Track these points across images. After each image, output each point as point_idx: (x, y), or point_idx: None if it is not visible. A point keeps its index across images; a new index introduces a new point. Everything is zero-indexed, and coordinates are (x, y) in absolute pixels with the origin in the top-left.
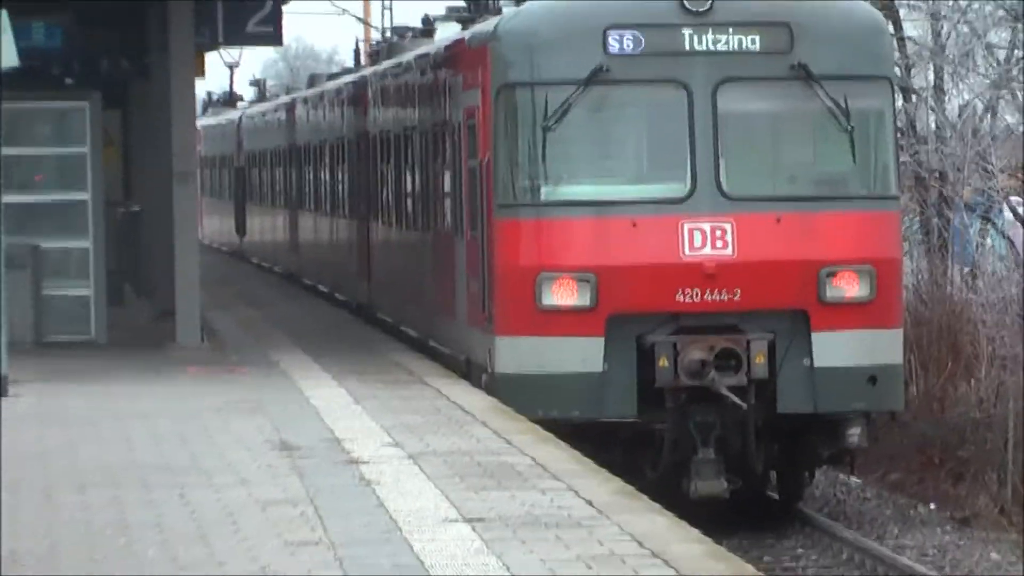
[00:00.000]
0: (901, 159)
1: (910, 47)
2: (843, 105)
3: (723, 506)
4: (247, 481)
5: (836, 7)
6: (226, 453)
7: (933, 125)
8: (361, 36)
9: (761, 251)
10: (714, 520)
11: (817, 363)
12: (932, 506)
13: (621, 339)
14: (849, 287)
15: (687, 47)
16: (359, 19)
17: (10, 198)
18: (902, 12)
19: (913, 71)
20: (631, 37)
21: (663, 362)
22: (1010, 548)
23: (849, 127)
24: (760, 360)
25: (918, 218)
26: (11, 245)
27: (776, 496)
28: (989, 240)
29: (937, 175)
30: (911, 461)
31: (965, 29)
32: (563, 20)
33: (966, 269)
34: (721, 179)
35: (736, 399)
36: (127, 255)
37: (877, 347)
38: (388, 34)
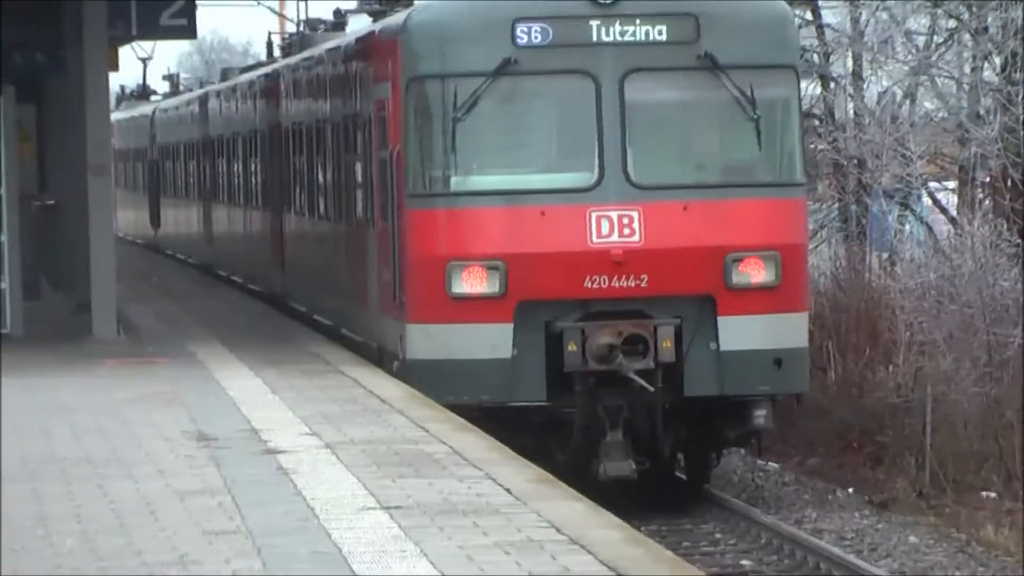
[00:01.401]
0: (820, 147)
1: (829, 34)
2: (749, 94)
3: (632, 487)
4: (165, 472)
5: None
6: (144, 444)
7: (852, 112)
8: (276, 29)
9: (668, 238)
10: (630, 505)
11: (723, 347)
12: (850, 490)
13: (530, 325)
14: (755, 273)
15: (595, 38)
16: (274, 11)
17: None
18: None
19: (832, 58)
20: (539, 29)
21: (572, 347)
22: (928, 531)
23: (755, 115)
24: (667, 345)
25: (836, 205)
26: None
27: (684, 477)
28: (908, 227)
29: (856, 162)
30: (830, 446)
31: (884, 16)
32: (472, 13)
33: (884, 256)
34: (628, 168)
35: (643, 383)
36: (43, 249)
37: (783, 331)
38: (302, 27)
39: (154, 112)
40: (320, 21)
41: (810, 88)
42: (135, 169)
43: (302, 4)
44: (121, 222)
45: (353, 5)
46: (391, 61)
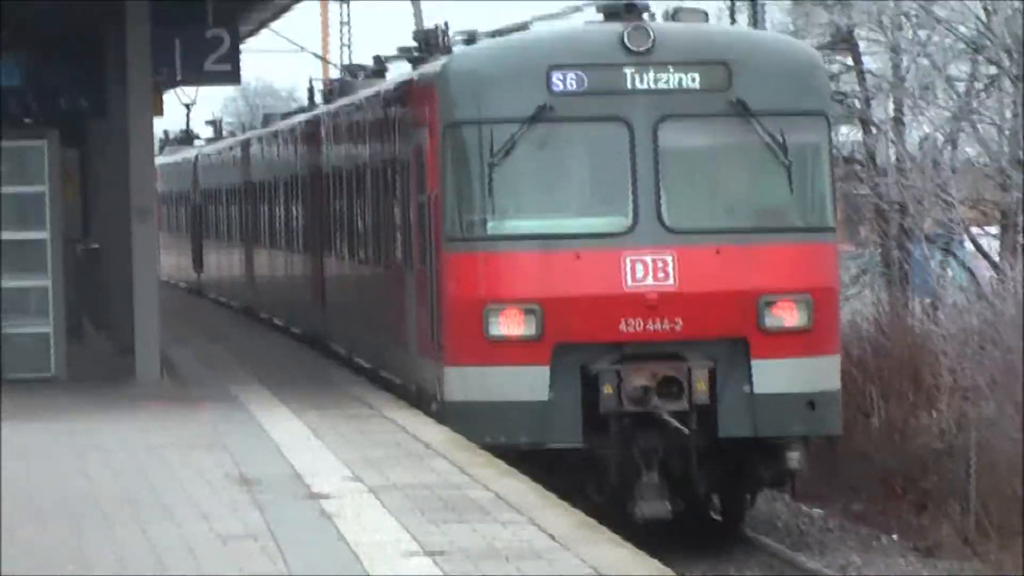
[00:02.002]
0: (861, 192)
1: (870, 80)
2: (780, 140)
3: (667, 528)
4: (207, 515)
5: (773, 45)
6: (186, 487)
7: (893, 157)
8: (319, 74)
9: (702, 282)
10: (667, 546)
11: (757, 389)
12: (895, 536)
13: (566, 368)
14: (787, 316)
15: (629, 86)
16: (317, 56)
17: None
18: (862, 45)
19: (873, 103)
20: (574, 76)
21: (607, 389)
22: None
23: (786, 161)
24: (701, 387)
25: (878, 250)
26: None
27: (719, 518)
28: (950, 272)
29: (897, 207)
30: (873, 491)
31: (925, 62)
32: (508, 60)
33: (927, 300)
34: (662, 212)
35: (678, 424)
36: (87, 291)
37: (815, 374)
38: (344, 73)
39: (197, 156)
40: (360, 67)
41: (851, 133)
42: (178, 213)
43: (345, 49)
44: (164, 265)
45: (393, 51)
46: (429, 107)
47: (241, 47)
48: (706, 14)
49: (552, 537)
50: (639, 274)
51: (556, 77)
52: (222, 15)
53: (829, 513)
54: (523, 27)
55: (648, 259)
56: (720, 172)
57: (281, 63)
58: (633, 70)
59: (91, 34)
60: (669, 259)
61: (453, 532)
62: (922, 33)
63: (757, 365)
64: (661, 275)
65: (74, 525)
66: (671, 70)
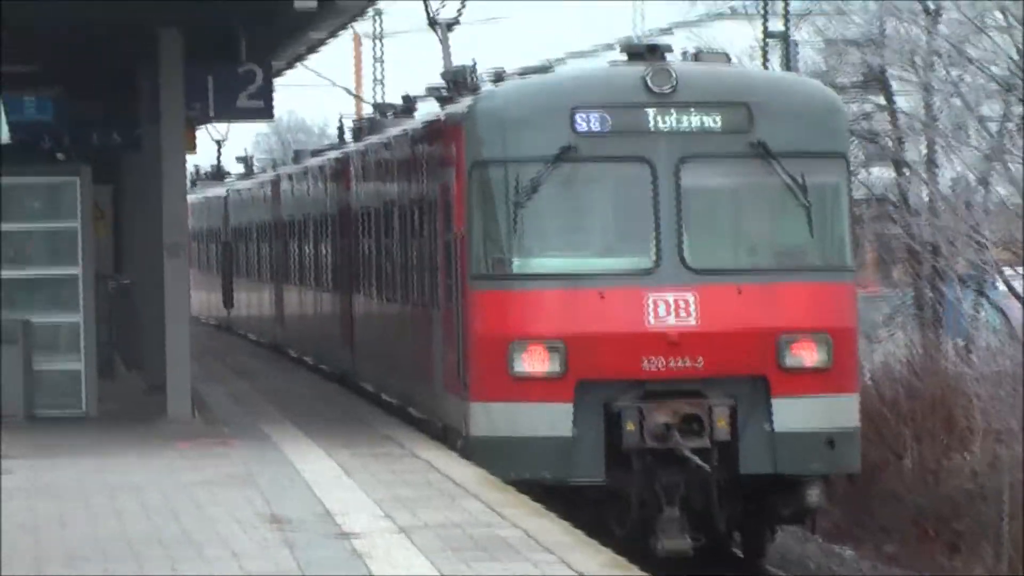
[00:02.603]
0: (894, 232)
1: (902, 119)
2: (800, 181)
3: (689, 563)
4: (238, 554)
5: (793, 87)
6: (217, 526)
7: (926, 198)
8: (352, 110)
9: (723, 321)
10: None
11: (777, 427)
12: None
13: (590, 404)
14: (807, 355)
15: (651, 126)
16: (350, 92)
17: (1, 273)
18: (894, 85)
19: (905, 143)
20: (597, 117)
21: (630, 426)
22: None
23: (806, 202)
24: (722, 424)
25: (911, 291)
26: (2, 320)
27: (741, 554)
28: (983, 313)
29: (930, 248)
30: (906, 533)
31: (957, 102)
32: (533, 100)
33: (960, 342)
34: (684, 252)
35: (699, 461)
36: (118, 328)
37: (834, 412)
38: (373, 110)
39: (228, 193)
40: (390, 106)
41: (884, 173)
42: (209, 249)
43: (379, 85)
44: (194, 302)
45: (423, 90)
46: (456, 146)
47: (274, 83)
48: (728, 56)
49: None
50: (661, 313)
51: (580, 117)
52: (255, 51)
53: (861, 554)
54: (547, 69)
55: (670, 298)
56: (741, 212)
57: (314, 99)
58: (655, 111)
59: (125, 70)
60: (691, 298)
61: (484, 571)
62: (954, 72)
63: (777, 403)
64: (683, 314)
65: (105, 565)
66: (692, 111)
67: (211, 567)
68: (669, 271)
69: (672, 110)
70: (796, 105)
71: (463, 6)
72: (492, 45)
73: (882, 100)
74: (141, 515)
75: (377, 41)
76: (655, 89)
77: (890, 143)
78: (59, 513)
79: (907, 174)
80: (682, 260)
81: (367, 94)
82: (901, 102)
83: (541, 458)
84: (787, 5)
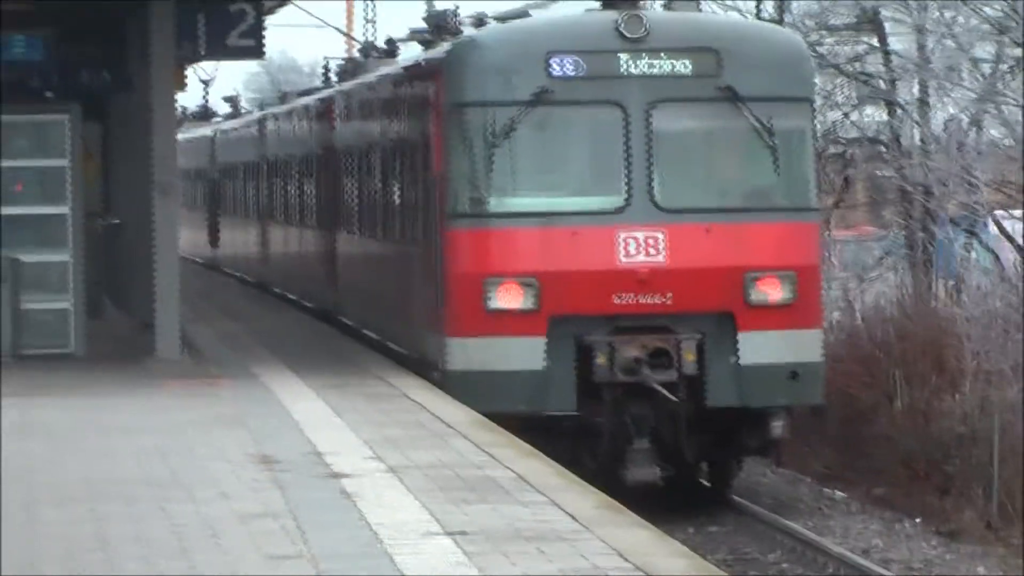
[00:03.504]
0: (885, 173)
1: (895, 61)
2: (767, 124)
3: (657, 492)
4: (228, 495)
5: (761, 34)
6: (207, 467)
7: (918, 139)
8: (343, 50)
9: (691, 258)
10: (659, 510)
11: (743, 360)
12: (918, 520)
13: (562, 339)
14: (772, 291)
15: (623, 71)
16: (341, 32)
17: None
18: (887, 26)
19: (898, 85)
20: (572, 61)
21: (600, 360)
22: (997, 562)
23: (773, 144)
24: (690, 358)
25: (903, 232)
26: None
27: (708, 484)
28: (974, 254)
29: (922, 189)
30: (896, 475)
31: (951, 43)
32: (510, 46)
33: (951, 283)
34: (655, 192)
35: (668, 394)
36: (107, 268)
37: (798, 346)
38: (371, 51)
39: (215, 133)
40: (374, 48)
41: (876, 114)
42: (196, 189)
43: (370, 25)
44: (181, 241)
45: (406, 33)
46: (434, 89)
47: (265, 22)
48: (698, 3)
49: (574, 518)
50: (632, 250)
51: (555, 62)
52: None
53: (851, 496)
54: (524, 15)
55: (640, 236)
56: (709, 154)
57: (306, 38)
58: (628, 56)
59: (115, 9)
60: (660, 236)
61: (474, 512)
62: (948, 14)
63: (743, 337)
64: (652, 251)
65: (95, 505)
66: (663, 56)
67: (200, 508)
68: (639, 210)
69: (643, 55)
70: (764, 52)
71: None
72: None
73: (875, 41)
74: (131, 455)
75: None
76: (627, 35)
77: (883, 84)
78: (50, 453)
79: (899, 115)
80: (652, 200)
81: (358, 34)
82: (894, 43)
83: (515, 391)
84: None
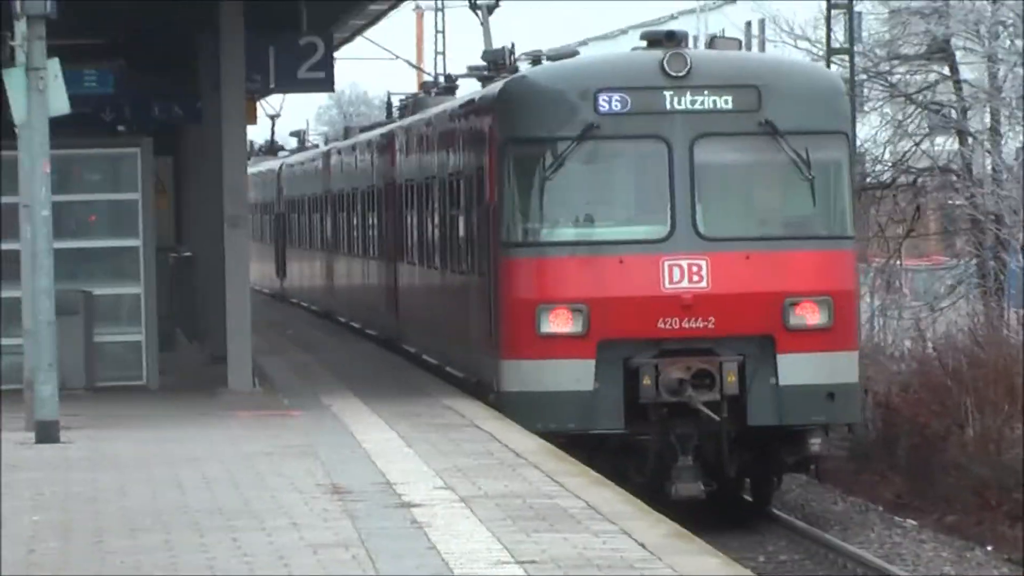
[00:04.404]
0: (957, 202)
1: (966, 90)
2: (805, 157)
3: (701, 507)
4: (299, 524)
5: (799, 71)
6: (278, 497)
7: (989, 168)
8: (414, 82)
9: (732, 284)
10: (703, 524)
11: (782, 381)
12: (989, 548)
13: (610, 361)
14: (810, 315)
15: (668, 107)
16: (411, 64)
17: (62, 244)
18: (959, 55)
19: (969, 114)
20: (619, 98)
21: (646, 381)
22: None
23: (810, 176)
24: (732, 379)
25: (974, 261)
26: (63, 291)
27: (750, 499)
28: None
29: (993, 218)
30: (968, 503)
31: (1022, 72)
32: (560, 83)
33: (1022, 312)
34: (697, 222)
35: (711, 413)
36: (179, 300)
37: (835, 368)
38: (440, 80)
39: (281, 167)
40: (434, 84)
41: (948, 143)
42: (263, 221)
43: (440, 57)
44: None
45: (465, 70)
46: (489, 125)
47: (335, 55)
48: (740, 42)
49: (643, 546)
50: (676, 277)
51: (603, 99)
52: (316, 22)
53: (923, 524)
54: (574, 53)
55: (684, 263)
56: (750, 185)
57: (376, 71)
58: (672, 92)
59: (186, 42)
60: (703, 264)
61: (544, 542)
62: (1019, 43)
63: (782, 359)
64: (696, 278)
65: (166, 535)
66: (706, 93)
67: (272, 537)
68: (683, 239)
69: (687, 92)
70: (802, 87)
71: None
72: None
73: (946, 70)
74: (202, 486)
75: (439, 13)
76: (671, 73)
77: (954, 113)
78: (120, 484)
79: (971, 144)
80: (695, 229)
81: (428, 66)
82: (965, 72)
83: (566, 410)
84: None
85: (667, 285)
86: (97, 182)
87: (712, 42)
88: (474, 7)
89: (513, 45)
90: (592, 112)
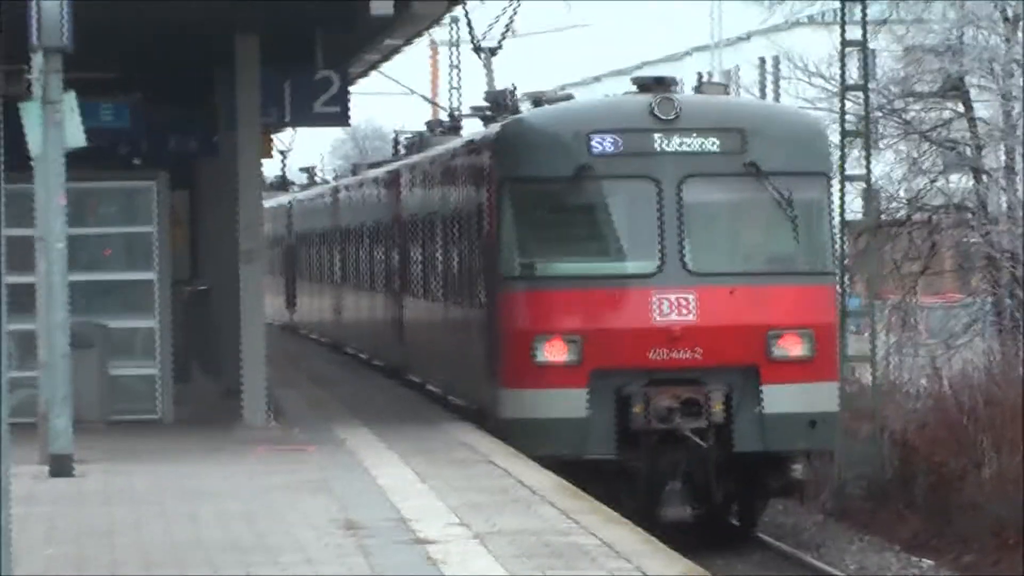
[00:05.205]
0: (972, 240)
1: (981, 128)
2: (787, 196)
3: (689, 529)
4: (313, 560)
5: (782, 115)
6: (292, 532)
7: (1005, 205)
8: (429, 116)
9: (719, 317)
10: (690, 546)
11: (766, 410)
12: None
13: (602, 390)
14: (792, 347)
15: (657, 148)
16: (427, 99)
17: (77, 277)
18: (973, 92)
19: (984, 151)
20: (611, 140)
21: (637, 409)
22: None
23: (792, 215)
24: (718, 407)
25: (990, 299)
26: (78, 324)
27: (736, 523)
28: None
29: (1009, 256)
30: (985, 543)
31: None
32: (555, 125)
33: None
34: (685, 258)
35: (698, 440)
36: (194, 333)
37: (816, 397)
38: (456, 113)
39: (291, 202)
40: (438, 123)
41: (962, 181)
42: (274, 254)
43: (455, 92)
44: None
45: (482, 103)
46: (488, 164)
47: (350, 89)
48: (726, 86)
49: None
50: (665, 310)
51: (595, 140)
52: (332, 57)
53: (940, 564)
54: (569, 97)
55: (673, 297)
56: (735, 223)
57: (392, 105)
58: (661, 135)
59: (201, 76)
60: (691, 297)
61: None
62: None
63: (766, 389)
64: (684, 311)
65: (180, 570)
66: (694, 135)
67: (286, 572)
68: (672, 274)
69: (675, 134)
70: (784, 130)
71: (504, 37)
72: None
73: (961, 108)
74: (216, 520)
75: (454, 48)
76: (661, 116)
77: (969, 151)
78: (135, 518)
79: (986, 182)
80: (683, 264)
81: (443, 100)
82: (980, 110)
83: (560, 436)
84: (865, 12)
85: (657, 318)
86: (113, 215)
87: (700, 87)
88: (477, 50)
89: (515, 87)
90: (585, 153)
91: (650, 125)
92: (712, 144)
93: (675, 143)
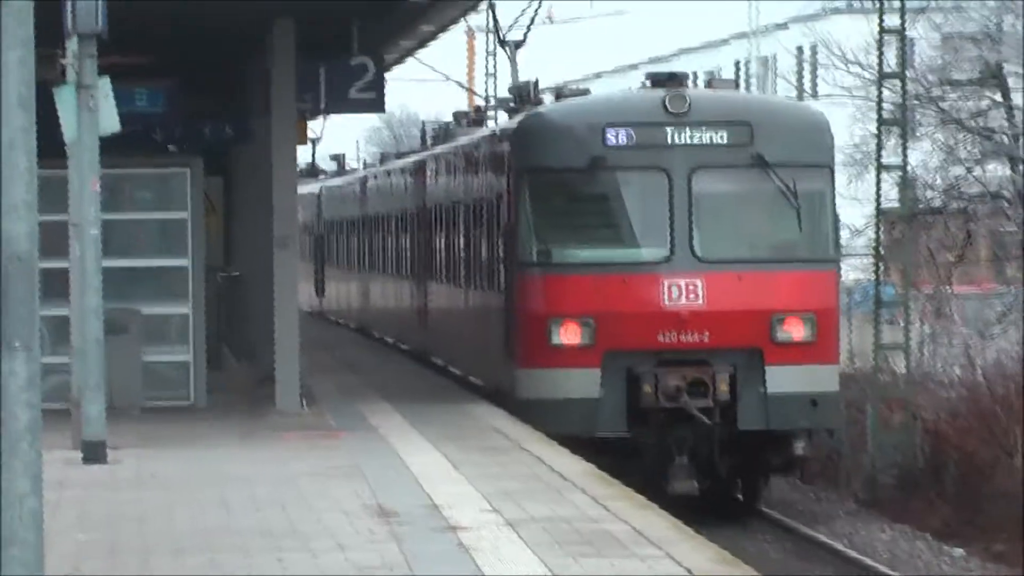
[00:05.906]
0: (1009, 228)
1: (1018, 116)
2: (792, 187)
3: (695, 503)
4: (344, 546)
5: (788, 109)
6: (324, 518)
7: None
8: (464, 103)
9: (725, 302)
10: (697, 519)
11: (770, 390)
12: None
13: (614, 370)
14: (795, 330)
15: (669, 141)
16: (462, 86)
17: (111, 263)
18: (1011, 81)
19: (1021, 140)
20: (624, 133)
21: (647, 389)
22: None
23: (796, 205)
24: (724, 387)
25: None
26: (112, 310)
27: (740, 497)
28: None
29: None
30: (1015, 532)
31: None
32: (571, 118)
33: None
34: (694, 245)
35: (704, 418)
36: (228, 320)
37: (818, 378)
38: (491, 101)
39: (321, 190)
40: (464, 115)
41: (999, 169)
42: (303, 241)
43: (491, 79)
44: None
45: (503, 95)
46: (508, 155)
47: (386, 76)
48: (736, 83)
49: (689, 571)
50: (674, 295)
51: (610, 133)
52: (367, 43)
53: (970, 552)
54: (585, 92)
55: (682, 283)
56: (742, 213)
57: (428, 92)
58: (672, 128)
59: (237, 62)
60: (699, 283)
61: (591, 566)
62: None
63: (770, 370)
64: (692, 296)
65: (212, 555)
66: (703, 129)
67: (317, 559)
68: (681, 261)
69: (686, 127)
70: (789, 124)
71: (528, 31)
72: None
73: (998, 96)
74: (248, 506)
75: (490, 34)
76: (672, 110)
77: (1006, 139)
78: (167, 504)
79: (1022, 170)
80: (692, 252)
81: (479, 87)
82: (1018, 98)
83: (573, 415)
84: (903, 0)
85: (666, 302)
86: (147, 201)
87: (710, 82)
88: (502, 43)
89: (537, 80)
90: (600, 145)
91: (662, 119)
92: (721, 137)
93: (685, 136)
